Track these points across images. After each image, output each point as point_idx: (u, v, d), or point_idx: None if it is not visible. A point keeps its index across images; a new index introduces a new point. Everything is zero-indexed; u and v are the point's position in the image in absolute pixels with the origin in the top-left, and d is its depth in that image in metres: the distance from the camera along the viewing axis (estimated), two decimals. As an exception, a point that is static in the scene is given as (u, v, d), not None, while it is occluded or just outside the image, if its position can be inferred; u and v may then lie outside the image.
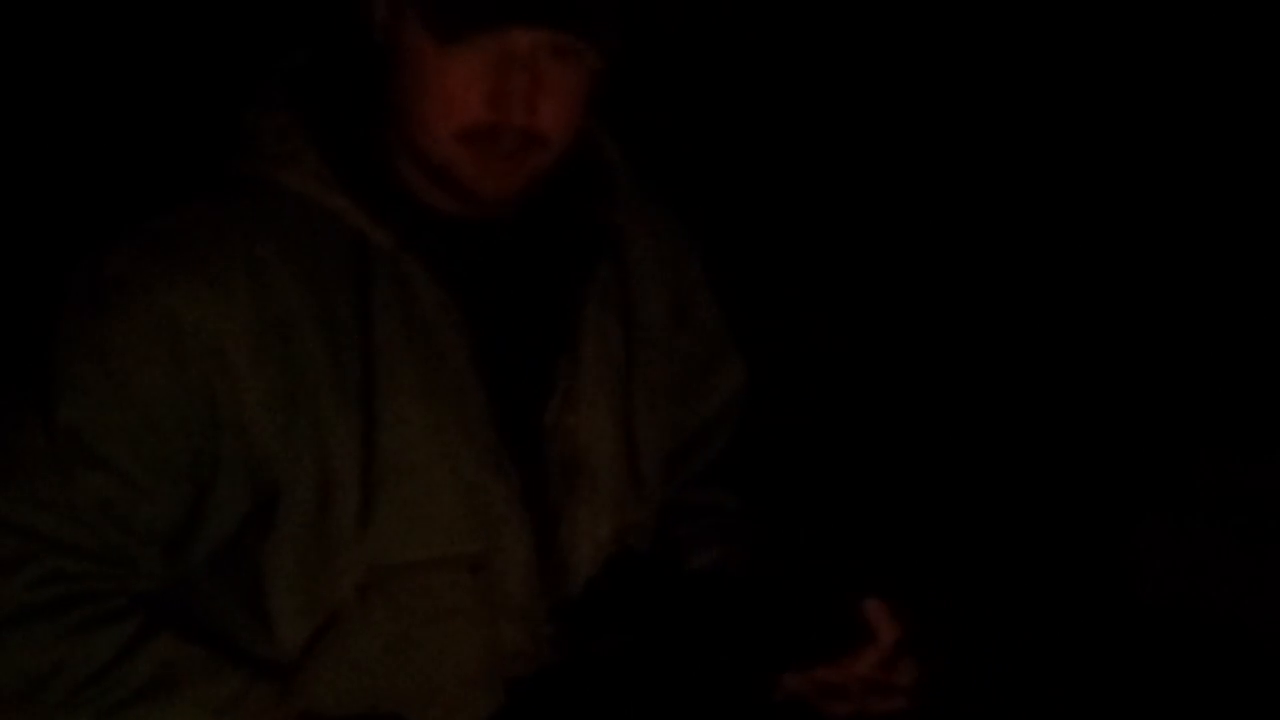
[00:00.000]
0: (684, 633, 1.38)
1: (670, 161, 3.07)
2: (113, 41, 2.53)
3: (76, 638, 1.28)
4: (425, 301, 1.33)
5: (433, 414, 1.33)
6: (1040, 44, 3.15)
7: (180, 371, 1.28)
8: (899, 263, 3.33)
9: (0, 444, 1.29)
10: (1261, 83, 3.11)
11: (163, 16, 2.48)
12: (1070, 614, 2.77)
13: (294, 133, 1.33)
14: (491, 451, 1.35)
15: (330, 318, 1.31)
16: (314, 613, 1.32)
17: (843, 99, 3.14)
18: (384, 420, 1.31)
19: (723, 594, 1.40)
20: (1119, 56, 3.13)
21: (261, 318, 1.29)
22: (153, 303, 1.27)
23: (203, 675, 1.30)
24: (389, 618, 1.34)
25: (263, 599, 1.32)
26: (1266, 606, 2.71)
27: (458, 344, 1.34)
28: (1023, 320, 3.25)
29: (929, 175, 3.27)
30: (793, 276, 3.18)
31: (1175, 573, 2.81)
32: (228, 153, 1.35)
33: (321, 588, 1.32)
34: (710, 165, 3.09)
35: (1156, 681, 2.62)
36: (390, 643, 1.34)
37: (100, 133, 2.56)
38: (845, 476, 3.02)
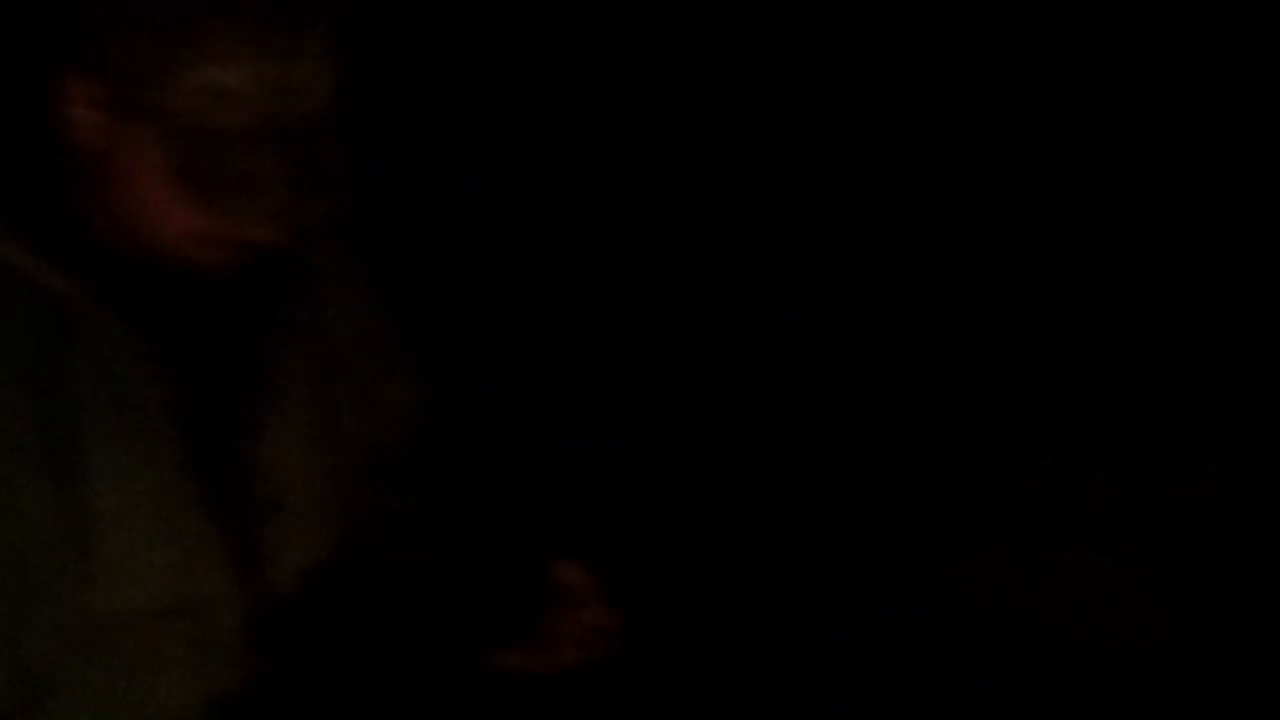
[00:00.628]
0: (385, 631, 1.43)
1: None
2: None
3: None
4: (118, 352, 1.32)
5: (132, 464, 1.32)
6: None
7: None
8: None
9: None
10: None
11: None
12: (889, 622, 2.78)
13: None
14: (193, 496, 1.35)
15: (22, 376, 1.28)
16: (21, 676, 1.30)
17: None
18: (84, 475, 1.30)
19: (418, 587, 1.45)
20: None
21: None
22: None
23: None
24: (100, 674, 1.33)
25: None
26: (1084, 613, 2.74)
27: (152, 391, 1.34)
28: (845, 317, 3.22)
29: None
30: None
31: (995, 581, 2.82)
32: None
33: (28, 649, 1.29)
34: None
35: (976, 691, 2.63)
36: (102, 700, 1.33)
37: None
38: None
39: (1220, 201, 3.06)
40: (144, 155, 1.25)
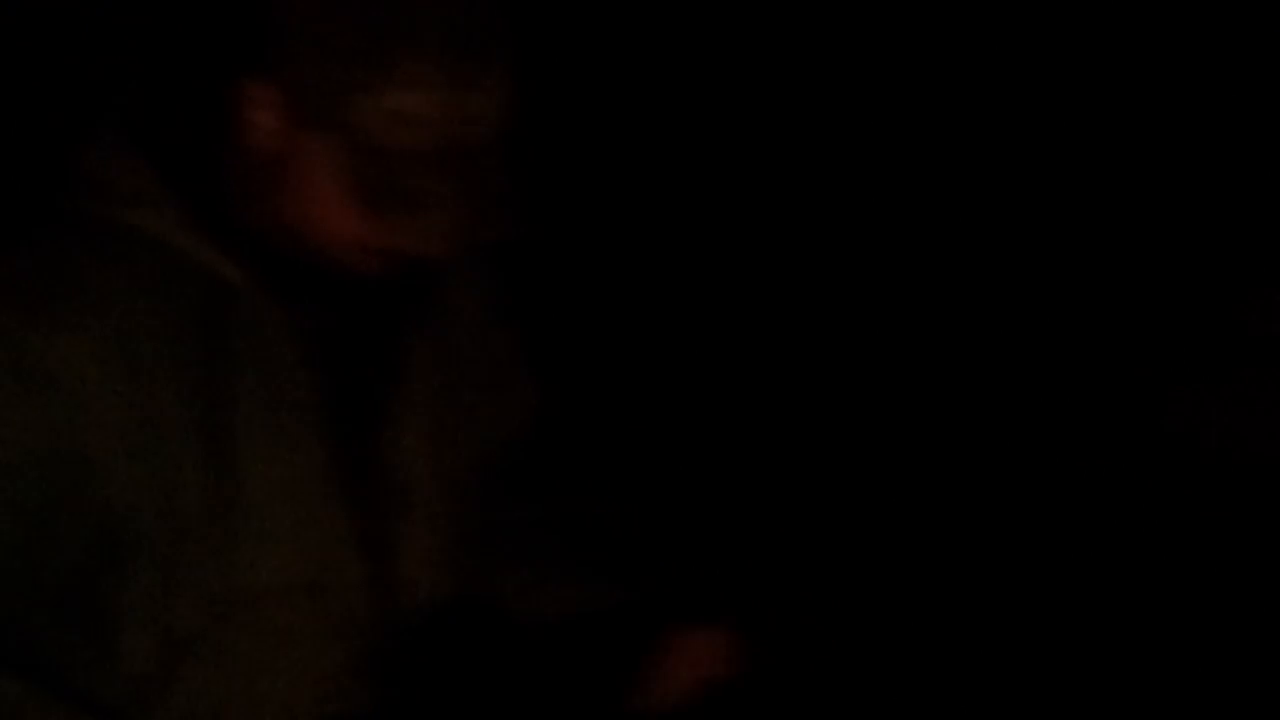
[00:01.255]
0: (500, 682, 1.52)
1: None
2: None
3: None
4: (274, 340, 1.38)
5: (280, 450, 1.38)
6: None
7: (37, 416, 1.29)
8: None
9: None
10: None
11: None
12: (1125, 480, 2.60)
13: (147, 175, 1.35)
14: (332, 485, 1.41)
15: (182, 357, 1.34)
16: (164, 645, 1.36)
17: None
18: (236, 456, 1.35)
19: (534, 645, 1.54)
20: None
21: (115, 359, 1.31)
22: (10, 349, 1.29)
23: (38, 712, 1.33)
24: (239, 643, 1.38)
25: (107, 634, 1.35)
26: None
27: (305, 382, 1.39)
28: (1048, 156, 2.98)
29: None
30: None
31: (1231, 426, 2.61)
32: (68, 192, 1.36)
33: (177, 616, 1.35)
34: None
35: (1219, 542, 2.46)
36: (239, 668, 1.39)
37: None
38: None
39: None
40: (320, 166, 1.31)
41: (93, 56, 1.41)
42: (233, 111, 1.33)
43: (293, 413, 1.39)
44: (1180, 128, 2.88)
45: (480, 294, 1.60)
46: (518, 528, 1.64)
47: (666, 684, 1.56)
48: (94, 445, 1.31)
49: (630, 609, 1.57)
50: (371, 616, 1.45)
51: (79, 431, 1.30)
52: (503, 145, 1.33)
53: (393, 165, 1.29)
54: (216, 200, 1.36)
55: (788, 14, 3.01)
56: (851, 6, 3.00)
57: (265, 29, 1.30)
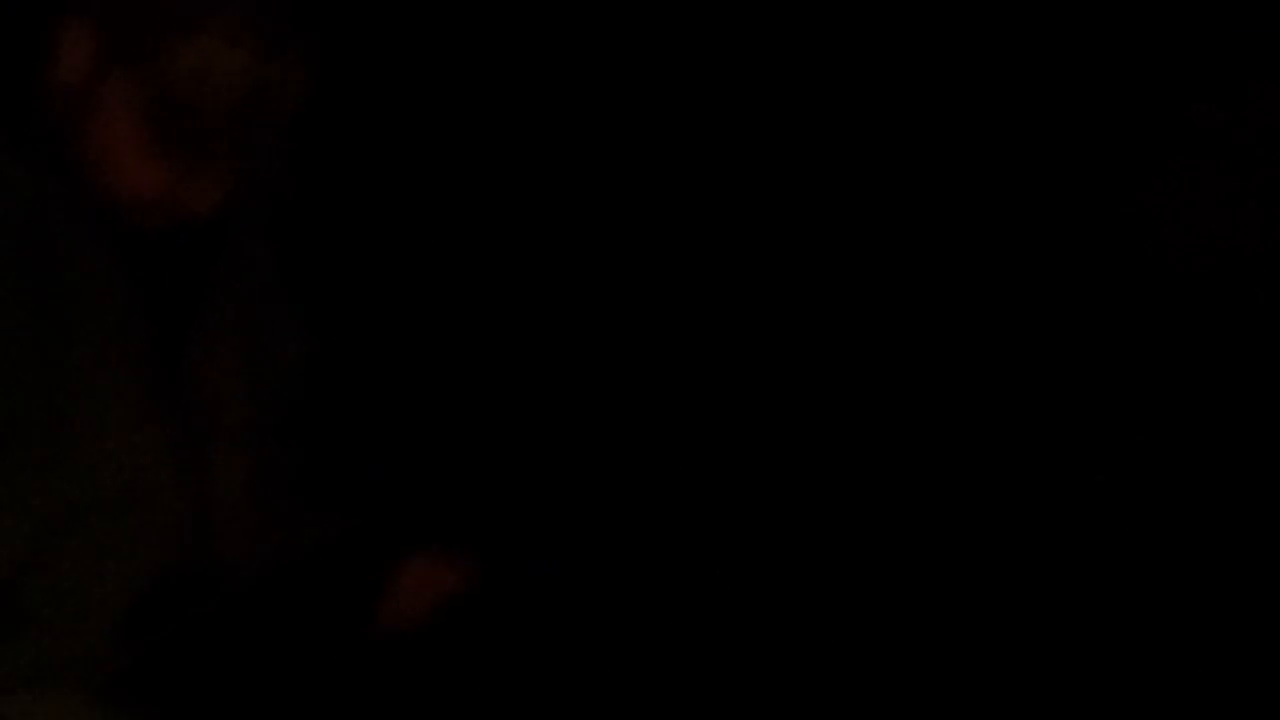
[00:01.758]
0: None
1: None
2: None
3: None
4: (99, 266, 1.45)
5: (103, 367, 1.45)
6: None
7: None
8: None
9: None
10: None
11: None
12: (1096, 303, 2.45)
13: None
14: (145, 399, 1.48)
15: (14, 274, 1.40)
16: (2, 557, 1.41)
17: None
18: (62, 373, 1.42)
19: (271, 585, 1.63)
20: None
21: None
22: None
23: None
24: (69, 557, 1.44)
25: None
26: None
27: (124, 303, 1.47)
28: None
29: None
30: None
31: (1197, 234, 2.42)
32: None
33: (9, 532, 1.40)
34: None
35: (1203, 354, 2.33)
36: (70, 580, 1.45)
37: None
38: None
39: None
40: (121, 109, 1.40)
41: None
42: (50, 47, 1.42)
43: (117, 335, 1.47)
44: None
45: (268, 256, 1.70)
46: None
47: (402, 606, 1.65)
48: None
49: (356, 536, 1.66)
50: (183, 532, 1.52)
51: None
52: (290, 123, 1.44)
53: (186, 118, 1.39)
54: (42, 133, 1.44)
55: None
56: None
57: None
